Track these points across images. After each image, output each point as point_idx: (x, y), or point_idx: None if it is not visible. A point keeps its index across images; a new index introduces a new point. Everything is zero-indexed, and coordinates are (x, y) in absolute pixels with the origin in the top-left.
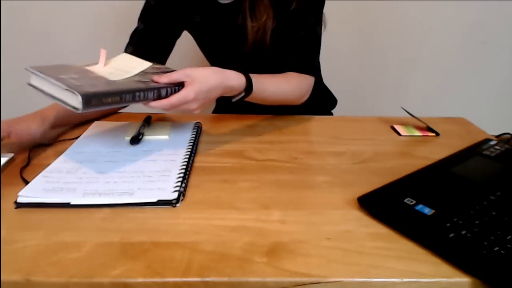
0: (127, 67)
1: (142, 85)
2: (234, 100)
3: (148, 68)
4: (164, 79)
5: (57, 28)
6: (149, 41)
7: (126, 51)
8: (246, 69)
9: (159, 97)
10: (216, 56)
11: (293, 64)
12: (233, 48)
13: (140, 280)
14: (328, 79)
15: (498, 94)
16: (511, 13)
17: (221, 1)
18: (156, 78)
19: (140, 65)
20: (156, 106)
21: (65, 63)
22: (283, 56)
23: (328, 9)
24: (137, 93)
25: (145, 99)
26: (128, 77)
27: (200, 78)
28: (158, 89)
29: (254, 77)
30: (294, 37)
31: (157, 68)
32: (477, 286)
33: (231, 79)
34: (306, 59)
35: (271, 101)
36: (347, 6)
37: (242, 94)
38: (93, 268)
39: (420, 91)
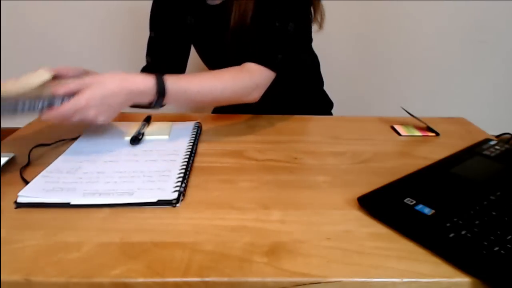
0: (31, 80)
1: (28, 95)
2: (151, 106)
3: (51, 80)
4: (61, 89)
5: (57, 27)
6: (162, 46)
7: (146, 60)
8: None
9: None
10: (209, 57)
11: (250, 54)
12: (222, 47)
13: (140, 280)
14: (329, 79)
15: (498, 94)
16: (511, 13)
17: (210, 3)
18: (54, 89)
19: (41, 77)
20: (46, 117)
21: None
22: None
23: (329, 10)
24: (20, 102)
25: (32, 110)
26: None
27: (96, 84)
28: (51, 99)
29: (174, 78)
30: (259, 28)
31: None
32: (477, 286)
33: (135, 83)
34: (264, 50)
35: (204, 102)
36: (347, 6)
37: (155, 99)
38: (93, 268)
39: (420, 91)
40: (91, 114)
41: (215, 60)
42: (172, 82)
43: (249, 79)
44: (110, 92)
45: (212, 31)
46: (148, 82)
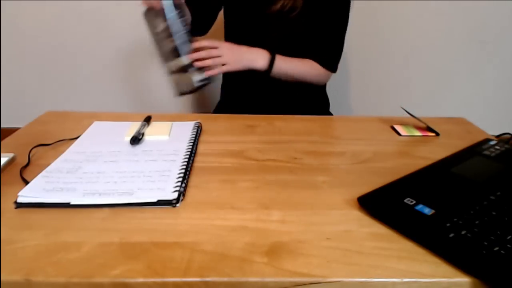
0: None
1: None
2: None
3: None
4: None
5: (56, 28)
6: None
7: None
8: (265, 38)
9: None
10: (238, 24)
11: (317, 56)
12: (257, 14)
13: (140, 280)
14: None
15: (498, 94)
16: (511, 14)
17: None
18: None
19: None
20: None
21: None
22: (310, 45)
23: None
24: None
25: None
26: None
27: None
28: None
29: (280, 56)
30: (322, 35)
31: None
32: (477, 286)
33: (259, 51)
34: (329, 56)
35: (293, 77)
36: None
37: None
38: (93, 268)
39: (420, 91)
40: (227, 54)
41: (244, 27)
42: (279, 57)
43: (320, 76)
44: (245, 48)
45: (256, 9)
46: (265, 52)
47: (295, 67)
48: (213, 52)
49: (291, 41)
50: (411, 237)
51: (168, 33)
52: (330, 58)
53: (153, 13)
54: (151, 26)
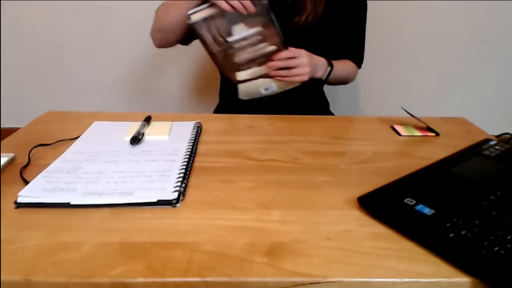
0: None
1: None
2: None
3: None
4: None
5: (57, 28)
6: None
7: None
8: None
9: None
10: None
11: (350, 55)
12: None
13: (140, 280)
14: None
15: (498, 94)
16: (511, 13)
17: None
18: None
19: None
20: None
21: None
22: (340, 49)
23: None
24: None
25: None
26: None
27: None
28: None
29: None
30: (348, 35)
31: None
32: (477, 286)
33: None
34: (359, 55)
35: (340, 79)
36: None
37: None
38: (93, 268)
39: (420, 91)
40: (304, 65)
41: None
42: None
43: (355, 74)
44: (316, 58)
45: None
46: (324, 60)
47: (343, 70)
48: (293, 63)
49: (312, 47)
50: (411, 237)
51: (259, 39)
52: (360, 55)
53: (219, 20)
54: (215, 35)
